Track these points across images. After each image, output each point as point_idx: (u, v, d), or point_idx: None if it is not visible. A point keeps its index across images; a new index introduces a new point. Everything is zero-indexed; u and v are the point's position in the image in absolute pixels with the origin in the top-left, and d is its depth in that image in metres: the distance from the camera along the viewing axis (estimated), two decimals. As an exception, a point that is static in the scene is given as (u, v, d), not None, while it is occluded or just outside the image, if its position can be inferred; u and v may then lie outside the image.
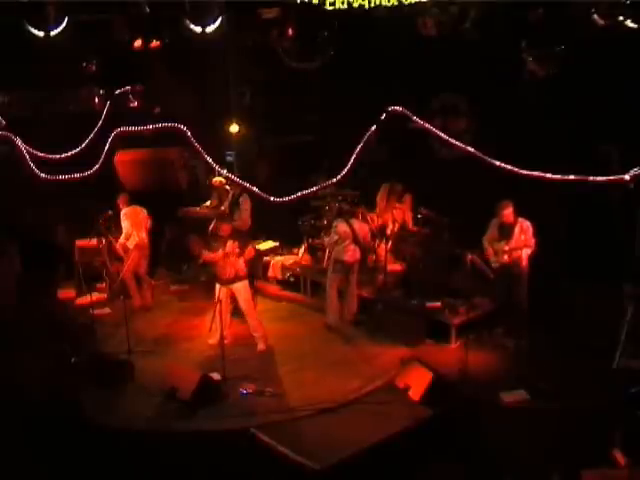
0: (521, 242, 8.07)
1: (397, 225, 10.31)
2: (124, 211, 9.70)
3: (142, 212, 9.81)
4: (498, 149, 7.89)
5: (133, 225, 9.62)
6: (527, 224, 8.12)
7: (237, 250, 8.07)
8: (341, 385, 7.39)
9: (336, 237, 8.91)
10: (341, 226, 8.96)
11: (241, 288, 8.24)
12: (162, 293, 10.53)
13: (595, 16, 7.54)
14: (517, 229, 8.11)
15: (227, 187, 10.44)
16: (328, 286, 9.10)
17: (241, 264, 8.19)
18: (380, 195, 10.56)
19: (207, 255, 8.23)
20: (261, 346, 8.34)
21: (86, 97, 11.31)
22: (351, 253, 8.93)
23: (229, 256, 8.06)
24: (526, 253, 8.14)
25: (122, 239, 9.67)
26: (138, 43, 9.46)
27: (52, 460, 6.47)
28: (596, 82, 8.41)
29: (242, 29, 9.74)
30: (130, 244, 9.62)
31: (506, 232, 8.19)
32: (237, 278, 8.19)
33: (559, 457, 6.07)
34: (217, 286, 8.24)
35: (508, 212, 8.13)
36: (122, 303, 8.67)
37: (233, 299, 8.36)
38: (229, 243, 8.07)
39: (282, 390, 7.31)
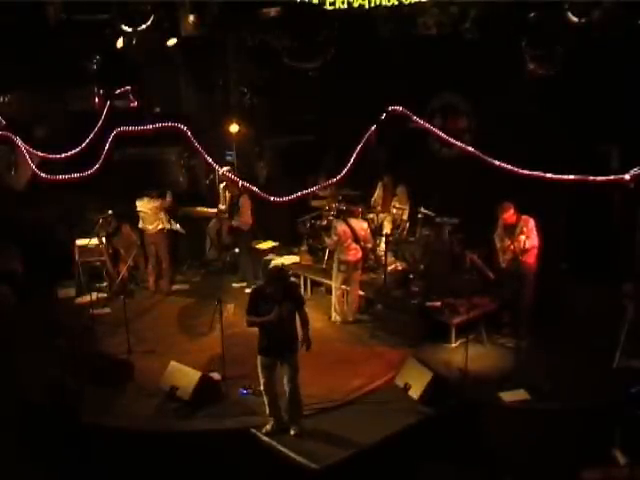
0: (522, 240, 8.05)
1: (396, 225, 10.34)
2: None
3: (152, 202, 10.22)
4: (498, 149, 7.89)
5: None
6: (530, 222, 8.11)
7: (291, 314, 6.53)
8: (341, 385, 7.41)
9: (336, 238, 8.98)
10: (340, 226, 9.04)
11: (292, 361, 6.60)
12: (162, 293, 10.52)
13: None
14: (519, 228, 8.12)
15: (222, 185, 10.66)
16: (333, 285, 9.23)
17: (294, 331, 6.64)
18: (376, 195, 10.64)
19: (252, 319, 6.52)
20: (296, 431, 6.65)
21: (86, 97, 11.30)
22: (353, 252, 9.02)
23: (283, 321, 6.46)
24: (532, 252, 8.11)
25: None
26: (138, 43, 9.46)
27: (51, 460, 6.48)
28: (596, 82, 8.40)
29: (242, 29, 9.72)
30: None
31: (511, 231, 8.21)
32: (289, 350, 6.57)
33: (559, 457, 6.08)
34: (259, 358, 6.62)
35: (509, 215, 8.14)
36: (122, 303, 8.67)
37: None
38: (284, 305, 6.45)
39: (282, 390, 7.31)
